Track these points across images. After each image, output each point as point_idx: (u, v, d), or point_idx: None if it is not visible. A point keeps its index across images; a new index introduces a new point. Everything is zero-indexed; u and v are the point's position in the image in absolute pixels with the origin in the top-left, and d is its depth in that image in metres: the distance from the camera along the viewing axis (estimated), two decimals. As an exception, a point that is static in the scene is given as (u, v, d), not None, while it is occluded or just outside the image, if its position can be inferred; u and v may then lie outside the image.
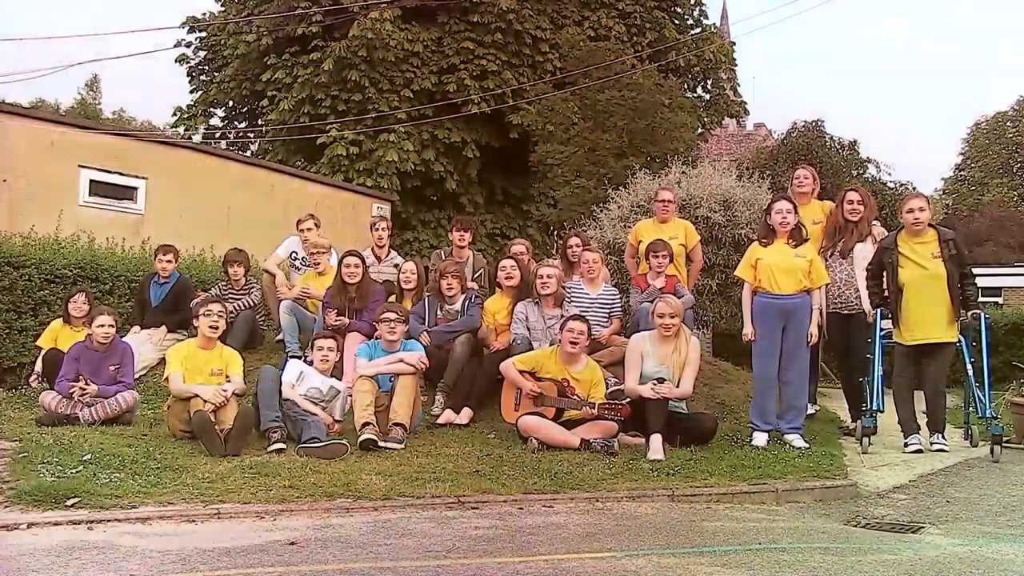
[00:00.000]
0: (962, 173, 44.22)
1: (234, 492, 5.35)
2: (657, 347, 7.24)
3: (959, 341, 7.36)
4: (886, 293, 7.46)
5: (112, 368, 7.65)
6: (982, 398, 7.30)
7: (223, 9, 24.99)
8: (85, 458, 5.89)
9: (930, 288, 7.23)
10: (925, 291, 7.24)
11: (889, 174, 21.32)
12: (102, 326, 7.67)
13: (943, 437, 7.34)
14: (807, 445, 7.06)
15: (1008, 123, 43.06)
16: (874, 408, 7.36)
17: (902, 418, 7.38)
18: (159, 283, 9.20)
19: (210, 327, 7.26)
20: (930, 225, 7.43)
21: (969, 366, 7.38)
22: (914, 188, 21.01)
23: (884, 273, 7.46)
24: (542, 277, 8.08)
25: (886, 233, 7.83)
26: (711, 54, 24.46)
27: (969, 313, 7.33)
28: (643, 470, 6.23)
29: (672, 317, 7.18)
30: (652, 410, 6.79)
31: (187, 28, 24.67)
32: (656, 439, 6.63)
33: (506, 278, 8.36)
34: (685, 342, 7.25)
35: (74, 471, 5.61)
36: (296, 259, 10.00)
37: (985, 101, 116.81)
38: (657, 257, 8.24)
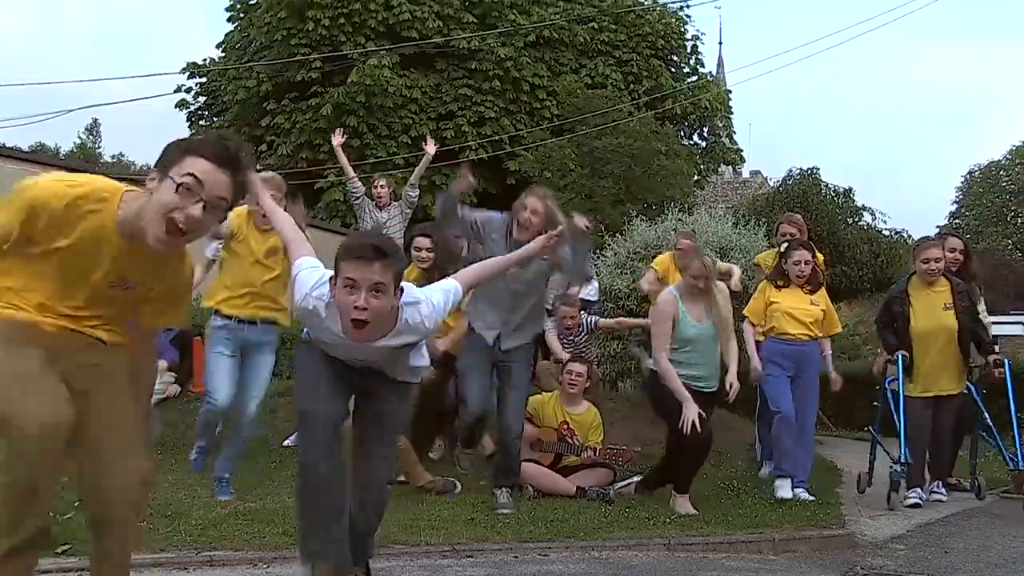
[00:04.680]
0: (956, 221, 44.47)
1: (227, 539, 5.28)
2: (691, 305, 6.47)
3: (968, 389, 7.28)
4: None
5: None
6: (1003, 448, 7.23)
7: (223, 55, 25.27)
8: (77, 504, 5.84)
9: (942, 340, 7.07)
10: (936, 343, 7.06)
11: (884, 222, 21.38)
12: None
13: (942, 486, 7.27)
14: (812, 498, 6.93)
15: (1002, 172, 43.39)
16: (900, 459, 6.95)
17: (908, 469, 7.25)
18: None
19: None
20: (943, 275, 7.21)
21: (986, 414, 7.30)
22: (909, 236, 21.06)
23: (895, 323, 7.24)
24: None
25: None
26: (707, 102, 24.76)
27: (992, 358, 7.24)
28: (639, 518, 6.17)
29: (707, 279, 6.41)
30: (686, 464, 6.41)
31: (187, 74, 24.95)
32: (685, 499, 6.38)
33: (420, 260, 6.98)
34: (717, 292, 6.57)
35: (65, 517, 5.55)
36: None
37: (979, 150, 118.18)
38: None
